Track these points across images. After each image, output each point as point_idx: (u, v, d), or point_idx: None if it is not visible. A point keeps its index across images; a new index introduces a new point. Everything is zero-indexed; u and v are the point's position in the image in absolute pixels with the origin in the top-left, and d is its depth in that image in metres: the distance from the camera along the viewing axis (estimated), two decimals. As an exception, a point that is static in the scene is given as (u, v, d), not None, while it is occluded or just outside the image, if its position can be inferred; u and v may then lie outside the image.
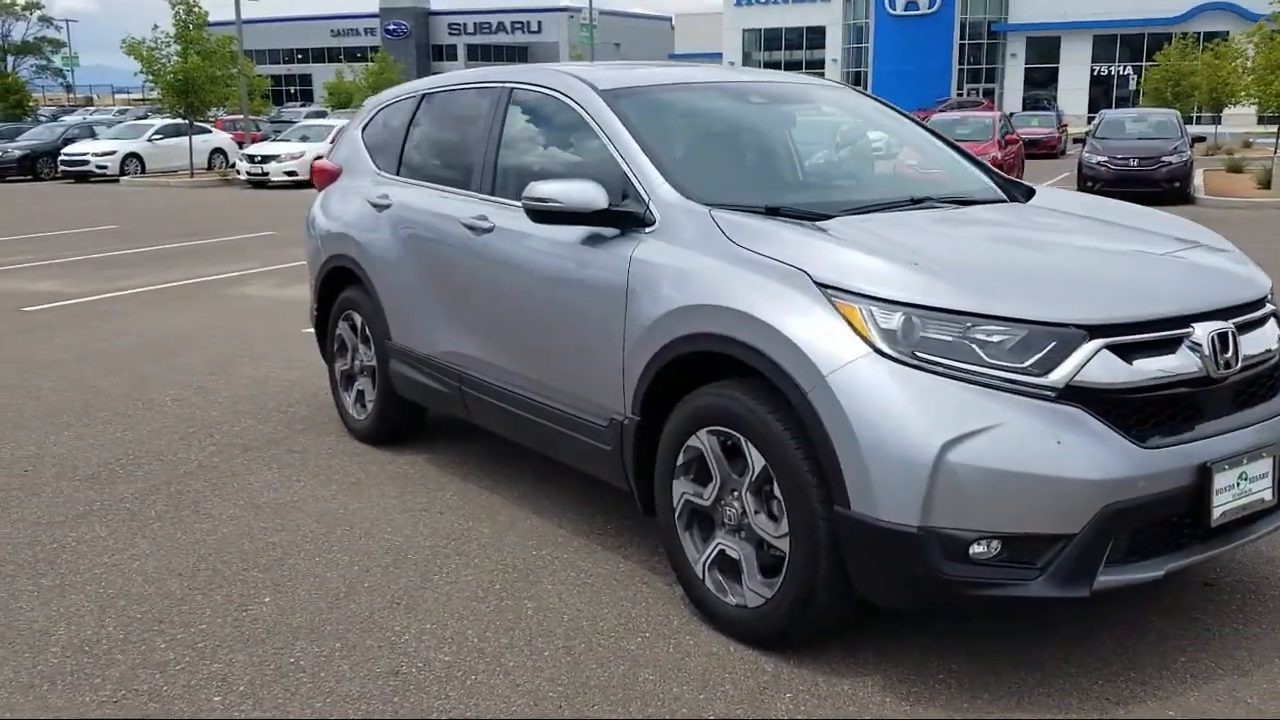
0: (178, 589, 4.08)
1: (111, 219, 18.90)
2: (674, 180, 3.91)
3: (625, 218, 3.93)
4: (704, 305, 3.49)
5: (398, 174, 5.56)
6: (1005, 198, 4.41)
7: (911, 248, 3.39)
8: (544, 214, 4.00)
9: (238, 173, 26.95)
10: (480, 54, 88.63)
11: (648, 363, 3.71)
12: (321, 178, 6.31)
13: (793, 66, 66.69)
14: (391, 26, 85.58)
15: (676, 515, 3.73)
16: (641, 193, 3.92)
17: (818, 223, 3.62)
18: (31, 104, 44.79)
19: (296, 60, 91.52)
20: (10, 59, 64.73)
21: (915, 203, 4.08)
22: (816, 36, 66.11)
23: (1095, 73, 60.35)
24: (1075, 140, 37.10)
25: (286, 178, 26.16)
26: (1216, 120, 43.11)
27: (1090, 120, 49.77)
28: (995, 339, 3.04)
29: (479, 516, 4.78)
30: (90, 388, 7.16)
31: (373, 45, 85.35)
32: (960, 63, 61.92)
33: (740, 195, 3.94)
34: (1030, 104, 58.24)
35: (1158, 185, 19.19)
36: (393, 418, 5.66)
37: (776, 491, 3.31)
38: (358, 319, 5.74)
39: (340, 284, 5.95)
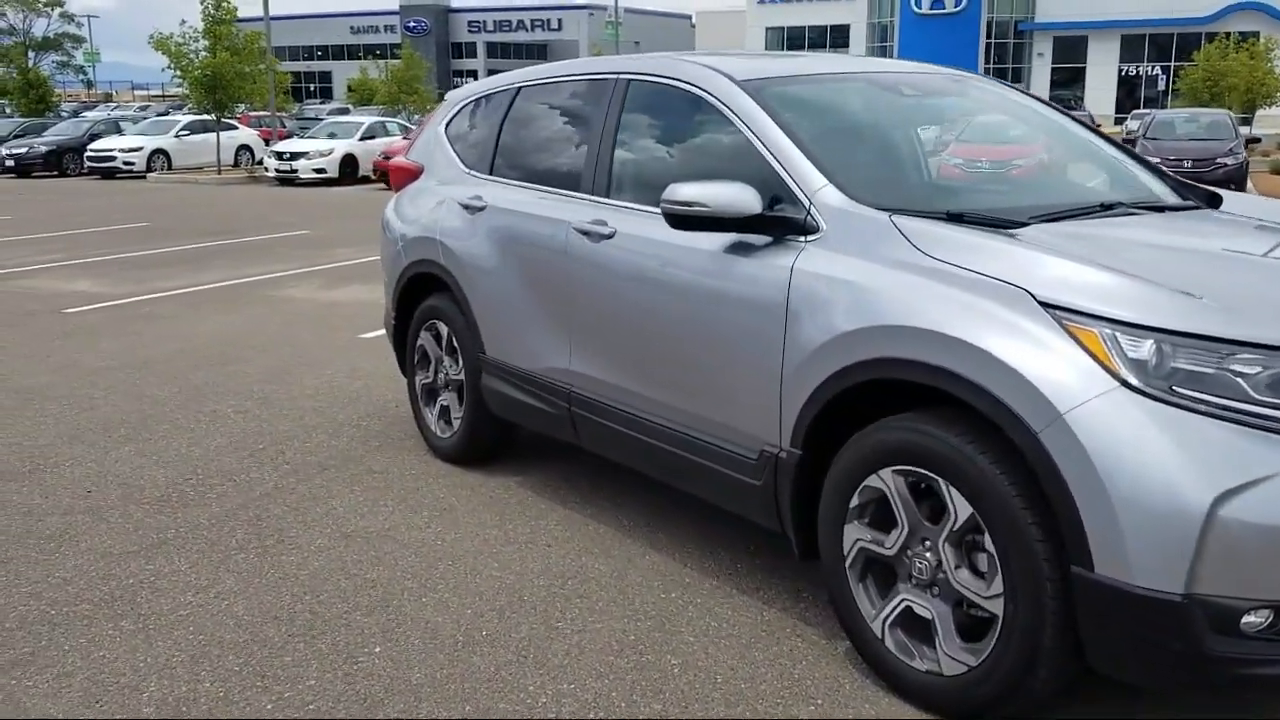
0: (276, 635, 3.65)
1: (141, 216, 18.53)
2: (838, 182, 3.46)
3: (780, 224, 3.49)
4: (893, 327, 3.04)
5: (490, 173, 5.14)
6: (1194, 203, 3.95)
7: (1140, 262, 2.94)
8: (686, 219, 3.55)
9: (265, 170, 26.59)
10: (500, 51, 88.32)
11: (815, 390, 3.27)
12: (399, 177, 5.88)
13: (816, 65, 66.06)
14: (411, 24, 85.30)
15: (848, 564, 3.29)
16: (800, 196, 3.47)
17: (1012, 231, 3.17)
18: (55, 99, 44.49)
19: (316, 57, 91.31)
20: (32, 54, 64.55)
21: (1105, 208, 3.62)
22: (840, 35, 65.60)
23: (1123, 72, 59.75)
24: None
25: (315, 175, 25.83)
26: (1248, 121, 42.51)
27: (1118, 121, 49.15)
28: (1256, 371, 2.58)
29: (591, 551, 4.34)
30: (145, 397, 6.74)
31: (393, 42, 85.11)
32: (986, 62, 61.27)
33: (914, 199, 3.53)
34: (1057, 104, 57.47)
35: (1214, 188, 18.63)
36: (483, 437, 5.23)
37: (987, 545, 2.86)
38: (443, 329, 5.30)
39: (423, 291, 5.53)
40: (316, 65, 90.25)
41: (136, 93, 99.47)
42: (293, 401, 6.64)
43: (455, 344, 5.23)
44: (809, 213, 3.44)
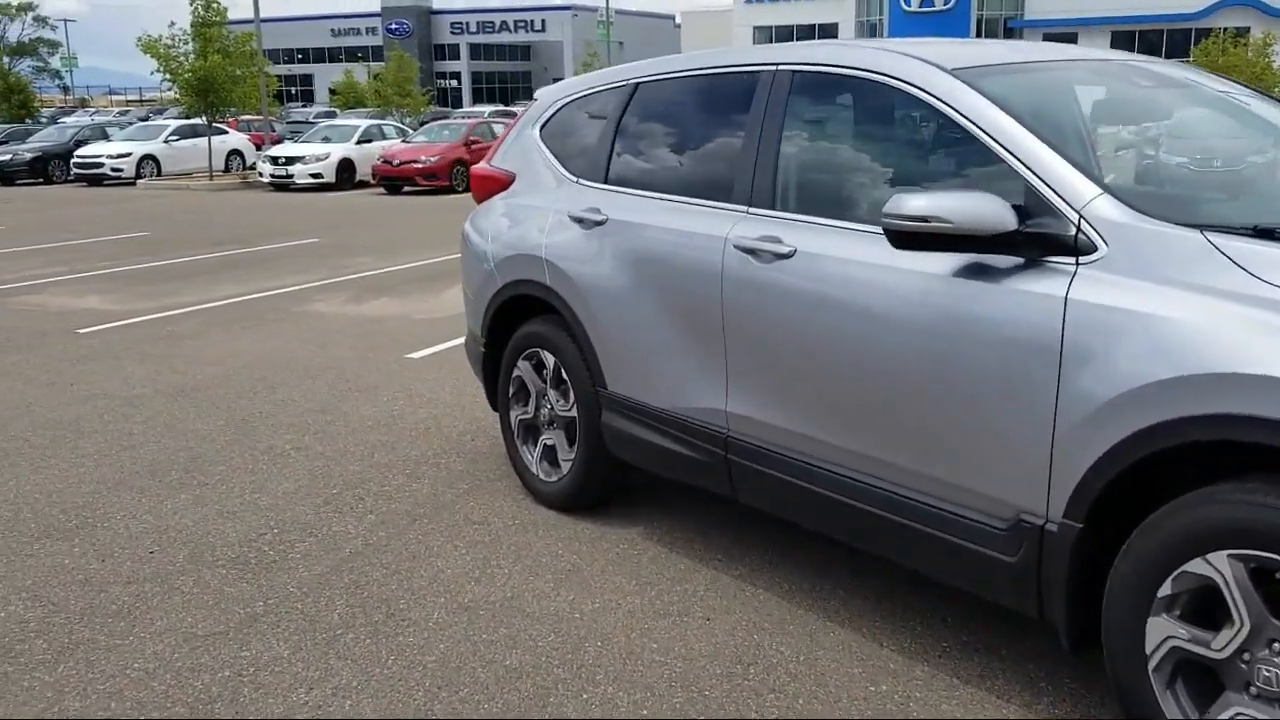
0: (423, 750, 2.98)
1: (139, 225, 17.78)
2: (1114, 191, 2.82)
3: (1038, 242, 2.85)
4: (1233, 375, 2.40)
5: (606, 182, 4.48)
6: None
7: None
8: (916, 237, 2.91)
9: (260, 175, 25.81)
10: (483, 53, 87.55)
11: (1109, 452, 2.63)
12: (484, 186, 5.23)
13: (805, 64, 65.59)
14: (393, 26, 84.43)
15: (1152, 665, 2.65)
16: (1064, 208, 2.84)
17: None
18: (36, 105, 43.52)
19: (296, 60, 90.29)
20: (7, 60, 63.42)
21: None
22: (829, 34, 65.03)
23: (1113, 69, 59.26)
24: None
25: (311, 180, 25.11)
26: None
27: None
28: None
29: (762, 625, 3.69)
30: (189, 432, 6.06)
31: (375, 45, 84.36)
32: (976, 60, 60.73)
33: (1208, 211, 2.86)
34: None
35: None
36: (599, 482, 4.58)
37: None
38: (549, 359, 4.65)
39: (520, 316, 4.87)
40: (297, 68, 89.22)
41: (113, 98, 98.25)
42: (355, 435, 5.97)
43: (565, 376, 4.58)
44: (1079, 229, 2.80)
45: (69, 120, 41.48)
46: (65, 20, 78.54)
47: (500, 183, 5.12)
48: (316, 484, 5.21)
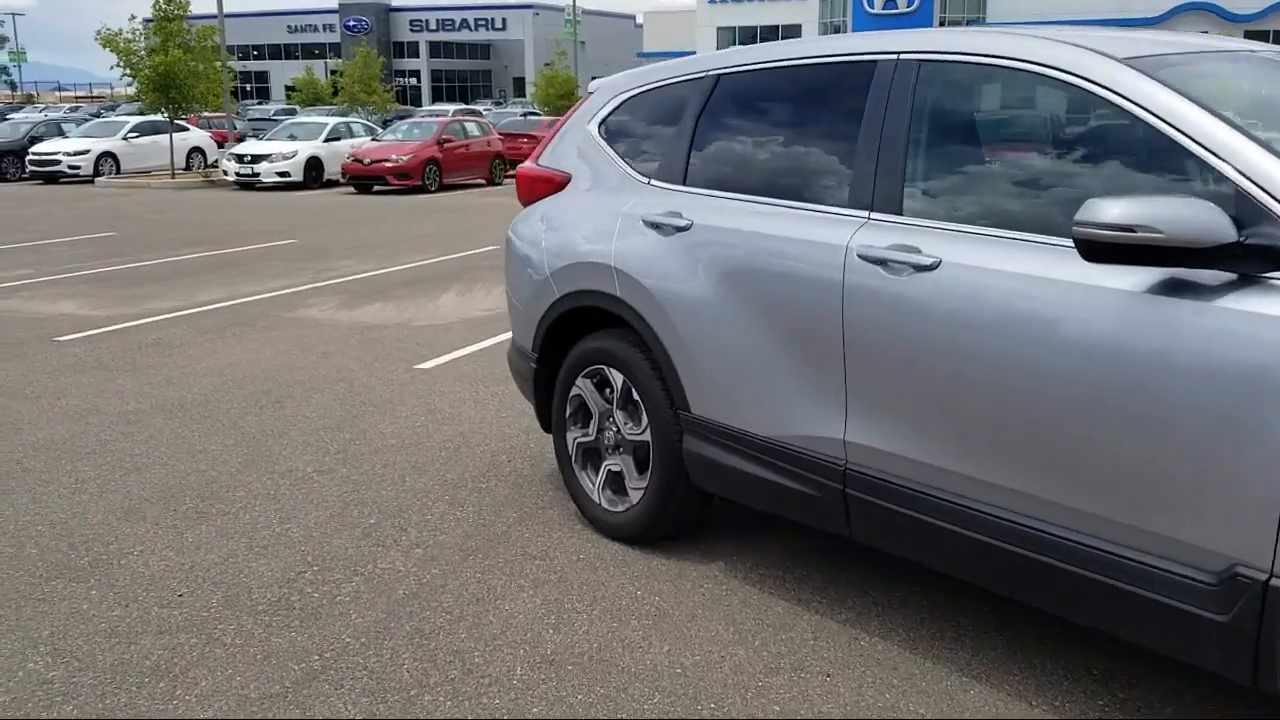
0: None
1: (104, 225, 17.11)
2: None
3: (1261, 255, 2.46)
4: None
5: (684, 183, 4.06)
6: None
7: None
8: (1115, 249, 2.51)
9: (224, 173, 25.11)
10: (443, 51, 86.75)
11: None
12: (533, 189, 4.79)
13: (768, 64, 65.43)
14: (351, 23, 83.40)
15: None
16: (1286, 217, 2.45)
17: None
18: (-14, 100, 42.27)
19: (252, 57, 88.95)
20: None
21: None
22: (792, 35, 64.88)
23: (1074, 72, 59.57)
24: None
25: (279, 179, 24.44)
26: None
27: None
28: None
29: (890, 683, 3.30)
30: (198, 453, 5.57)
31: (332, 42, 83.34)
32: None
33: None
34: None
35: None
36: (676, 514, 4.16)
37: None
38: (616, 378, 4.22)
39: (580, 329, 4.44)
40: (253, 65, 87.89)
41: (61, 94, 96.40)
42: (379, 456, 5.51)
43: (636, 397, 4.15)
44: (1311, 240, 2.42)
45: (19, 116, 40.31)
46: (14, 14, 76.76)
47: (553, 184, 4.69)
48: (350, 513, 4.75)
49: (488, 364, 7.52)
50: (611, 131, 4.53)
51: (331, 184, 25.00)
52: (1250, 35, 42.60)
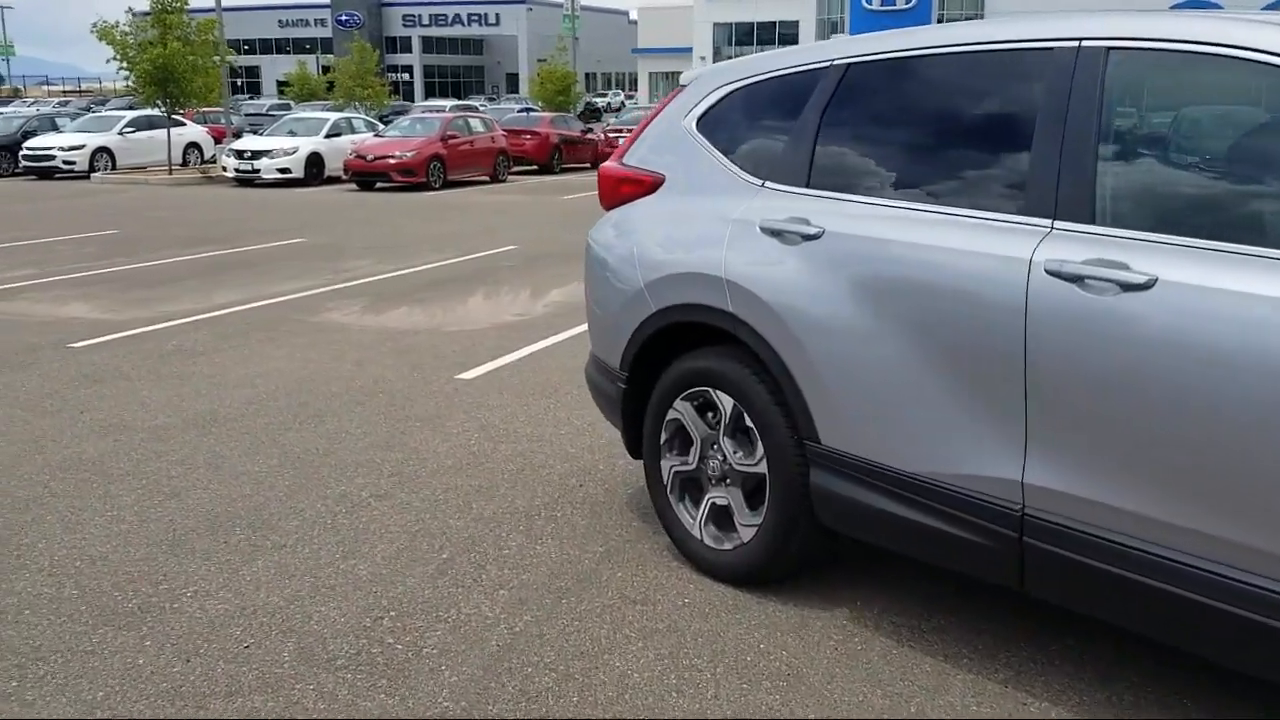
0: None
1: (105, 222, 16.62)
2: None
3: None
4: None
5: (808, 186, 3.62)
6: None
7: None
8: None
9: (224, 170, 24.59)
10: (435, 46, 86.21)
11: None
12: (618, 191, 4.37)
13: (765, 61, 65.06)
14: (343, 18, 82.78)
15: None
16: None
17: None
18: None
19: (242, 51, 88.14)
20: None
21: None
22: (790, 31, 64.60)
23: (1073, 70, 59.25)
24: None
25: (279, 175, 23.93)
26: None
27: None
28: None
29: (1078, 756, 2.85)
30: (239, 474, 5.13)
31: (324, 36, 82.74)
32: (937, 59, 60.51)
33: None
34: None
35: None
36: (796, 555, 3.74)
37: None
38: (724, 402, 3.79)
39: (678, 346, 4.00)
40: (243, 60, 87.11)
41: (49, 89, 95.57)
42: (437, 479, 5.08)
43: (749, 423, 3.72)
44: None
45: (9, 110, 39.60)
46: (3, 7, 75.97)
47: (643, 186, 4.26)
48: (418, 545, 4.31)
49: (532, 374, 7.09)
50: (713, 128, 4.10)
51: (332, 180, 24.51)
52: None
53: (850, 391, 3.38)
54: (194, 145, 29.06)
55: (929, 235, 3.20)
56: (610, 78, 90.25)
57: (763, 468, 3.74)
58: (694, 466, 4.04)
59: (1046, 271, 2.88)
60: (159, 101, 25.37)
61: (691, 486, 4.10)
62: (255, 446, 5.61)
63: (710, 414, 3.97)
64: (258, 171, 24.00)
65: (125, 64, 25.31)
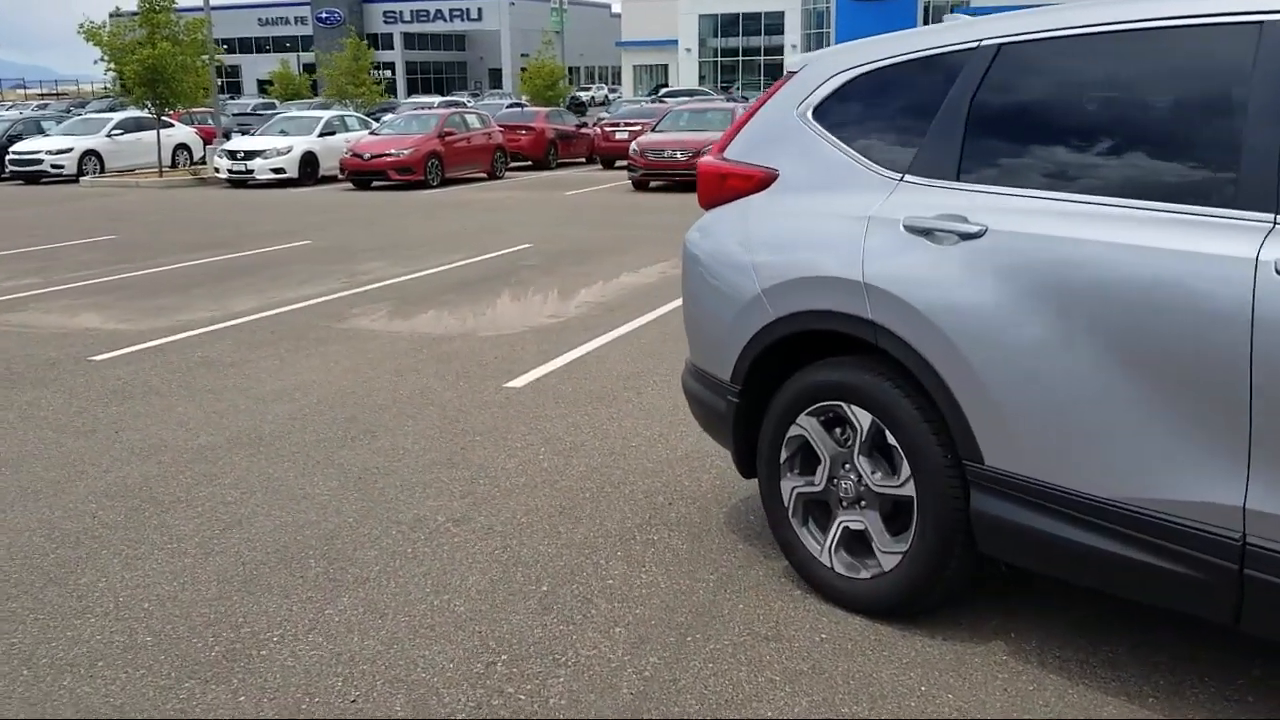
0: None
1: (101, 227, 16.19)
2: None
3: None
4: None
5: (958, 179, 3.27)
6: None
7: None
8: None
9: (216, 171, 24.13)
10: (417, 43, 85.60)
11: None
12: (722, 187, 4.03)
13: (751, 52, 64.99)
14: (323, 15, 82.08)
15: None
16: None
17: None
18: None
19: (222, 50, 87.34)
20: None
21: None
22: (775, 21, 64.33)
23: (1059, 57, 59.13)
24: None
25: (273, 175, 23.48)
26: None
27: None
28: None
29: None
30: (301, 498, 4.79)
31: (304, 34, 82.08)
32: (923, 48, 60.32)
33: None
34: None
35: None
36: (947, 585, 3.40)
37: None
38: (860, 417, 3.47)
39: (799, 356, 3.66)
40: (223, 59, 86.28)
41: (26, 91, 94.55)
42: (513, 499, 4.75)
43: (893, 441, 3.38)
44: None
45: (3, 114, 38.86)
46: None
47: (751, 182, 3.91)
48: (513, 577, 3.97)
49: (584, 381, 6.75)
50: (834, 118, 3.76)
51: (328, 180, 24.08)
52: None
53: (1024, 408, 3.05)
54: (183, 146, 28.53)
55: (1122, 233, 2.86)
56: (593, 71, 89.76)
57: (909, 490, 3.40)
58: (821, 488, 3.71)
59: (1278, 271, 2.54)
60: (148, 103, 24.82)
61: (817, 509, 3.77)
62: (310, 466, 5.25)
63: (839, 430, 3.64)
64: (251, 172, 23.55)
65: (113, 65, 24.76)
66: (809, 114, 3.85)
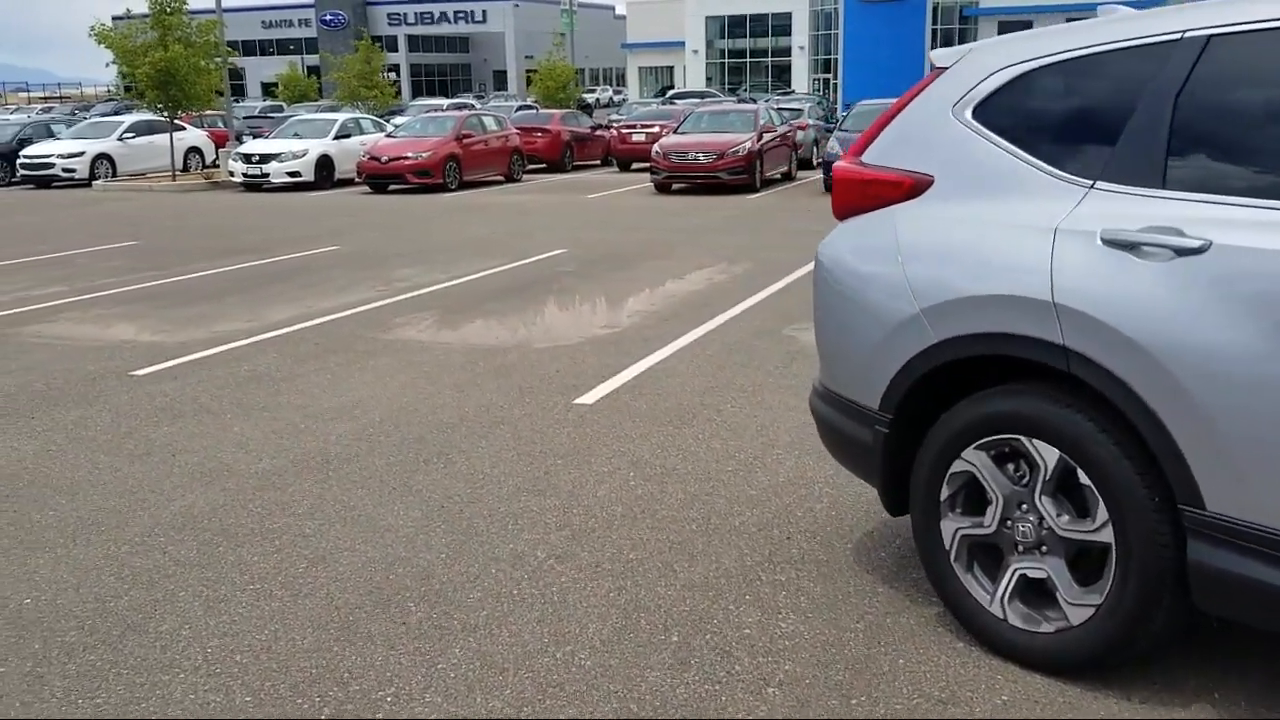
0: None
1: (121, 233, 15.84)
2: None
3: None
4: None
5: (1164, 186, 2.90)
6: None
7: None
8: None
9: (230, 174, 23.76)
10: (421, 45, 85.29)
11: None
12: (865, 195, 3.67)
13: (758, 54, 64.64)
14: (328, 17, 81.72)
15: None
16: None
17: None
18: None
19: (233, 53, 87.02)
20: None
21: None
22: (783, 23, 63.96)
23: (1069, 58, 58.74)
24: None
25: (289, 179, 23.12)
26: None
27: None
28: None
29: None
30: (385, 532, 4.43)
31: (308, 37, 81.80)
32: (933, 48, 59.99)
33: None
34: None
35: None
36: (1150, 641, 3.00)
37: None
38: (1044, 453, 3.10)
39: (963, 384, 3.29)
40: (235, 60, 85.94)
41: (30, 95, 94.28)
42: (615, 532, 4.41)
43: (1086, 480, 3.00)
44: None
45: (0, 118, 38.57)
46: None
47: (900, 189, 3.55)
48: (637, 625, 3.61)
49: (658, 398, 6.39)
50: (1001, 117, 3.39)
51: (343, 183, 23.73)
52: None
53: (1261, 448, 2.67)
54: (195, 150, 28.18)
55: (1387, 250, 2.48)
56: (598, 73, 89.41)
57: (1105, 536, 3.03)
58: (991, 530, 3.34)
59: None
60: (160, 105, 24.45)
61: (984, 553, 3.40)
62: (387, 494, 4.88)
63: (1015, 467, 3.27)
64: (266, 176, 23.20)
65: (126, 68, 24.39)
66: (967, 114, 3.48)
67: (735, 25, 65.70)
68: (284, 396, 6.61)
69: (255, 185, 23.51)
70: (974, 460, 3.34)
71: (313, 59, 79.52)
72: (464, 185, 22.84)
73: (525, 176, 25.08)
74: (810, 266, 11.11)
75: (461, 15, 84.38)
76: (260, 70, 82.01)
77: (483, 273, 11.48)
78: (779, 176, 22.22)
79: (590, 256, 12.45)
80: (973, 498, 3.40)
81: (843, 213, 3.81)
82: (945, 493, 3.44)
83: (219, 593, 3.93)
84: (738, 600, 3.79)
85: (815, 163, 25.30)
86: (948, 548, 3.46)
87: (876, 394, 3.57)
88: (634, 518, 4.58)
